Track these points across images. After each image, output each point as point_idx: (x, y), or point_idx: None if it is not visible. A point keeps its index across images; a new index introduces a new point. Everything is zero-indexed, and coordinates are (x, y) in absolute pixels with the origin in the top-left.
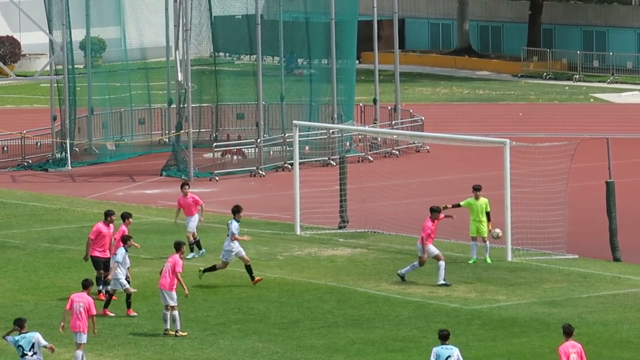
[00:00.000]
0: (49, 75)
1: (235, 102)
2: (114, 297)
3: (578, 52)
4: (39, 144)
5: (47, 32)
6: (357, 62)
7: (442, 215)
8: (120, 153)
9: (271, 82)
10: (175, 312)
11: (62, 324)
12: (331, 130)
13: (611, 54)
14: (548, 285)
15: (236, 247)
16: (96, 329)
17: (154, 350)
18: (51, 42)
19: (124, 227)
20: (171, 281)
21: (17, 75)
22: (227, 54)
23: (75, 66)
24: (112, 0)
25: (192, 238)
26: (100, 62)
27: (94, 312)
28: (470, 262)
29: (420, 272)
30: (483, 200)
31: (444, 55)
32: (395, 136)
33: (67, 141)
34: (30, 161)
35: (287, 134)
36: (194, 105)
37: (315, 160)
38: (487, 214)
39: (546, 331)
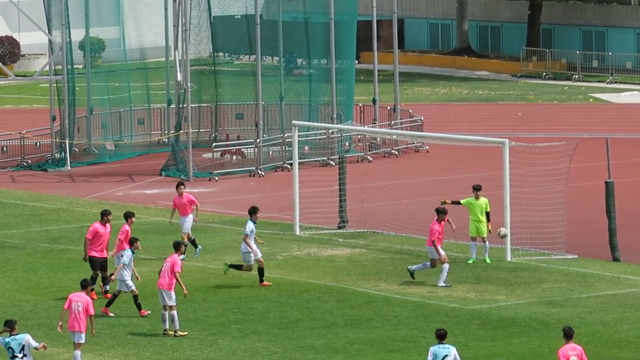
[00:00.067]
0: (48, 75)
1: (234, 102)
2: (107, 296)
3: (577, 52)
4: (38, 144)
5: (47, 32)
6: (357, 62)
7: (447, 218)
8: (119, 153)
9: (270, 82)
10: (174, 312)
11: (60, 322)
12: (330, 130)
13: (610, 54)
14: (547, 285)
15: (253, 247)
16: (94, 329)
17: (153, 350)
18: (50, 42)
19: (127, 227)
20: (170, 281)
21: (16, 76)
22: (226, 54)
23: (75, 66)
24: (111, 0)
25: (186, 239)
26: (99, 62)
27: (92, 312)
28: (470, 262)
29: (421, 272)
30: (483, 200)
31: (443, 55)
32: (394, 136)
33: (67, 141)
34: (29, 161)
35: (286, 134)
36: (193, 105)
37: (315, 160)
38: (487, 214)
39: (545, 331)
